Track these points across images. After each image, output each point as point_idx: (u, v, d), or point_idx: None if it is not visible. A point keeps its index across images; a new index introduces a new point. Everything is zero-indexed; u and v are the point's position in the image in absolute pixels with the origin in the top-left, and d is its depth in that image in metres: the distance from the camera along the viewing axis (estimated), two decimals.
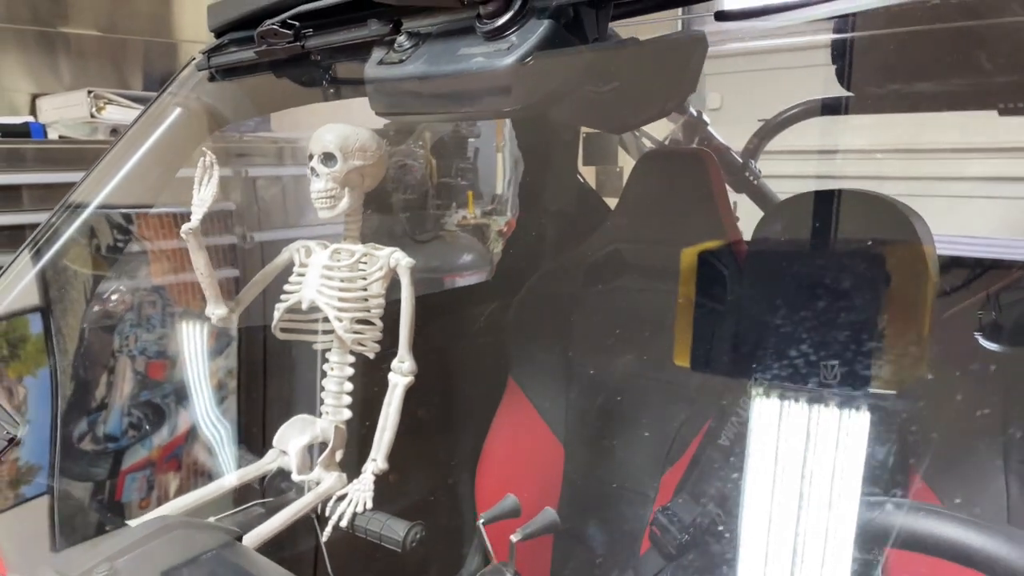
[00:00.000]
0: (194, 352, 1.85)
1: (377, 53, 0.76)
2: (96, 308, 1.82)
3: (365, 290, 0.99)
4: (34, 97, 2.71)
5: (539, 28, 0.64)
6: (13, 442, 0.88)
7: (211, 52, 0.97)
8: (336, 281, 0.98)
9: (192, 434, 1.82)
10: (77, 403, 1.71)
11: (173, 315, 1.98)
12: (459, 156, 3.10)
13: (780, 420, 0.98)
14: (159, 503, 0.96)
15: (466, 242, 2.97)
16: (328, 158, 0.95)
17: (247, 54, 0.91)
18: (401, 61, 0.72)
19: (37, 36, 2.77)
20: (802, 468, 0.92)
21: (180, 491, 1.04)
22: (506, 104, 0.64)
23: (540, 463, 1.53)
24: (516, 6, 0.65)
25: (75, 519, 1.48)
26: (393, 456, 1.36)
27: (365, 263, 0.99)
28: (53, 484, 1.35)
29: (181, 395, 1.91)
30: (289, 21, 0.82)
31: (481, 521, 0.75)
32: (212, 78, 1.00)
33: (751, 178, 2.01)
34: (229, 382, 1.83)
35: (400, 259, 0.97)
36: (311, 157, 0.97)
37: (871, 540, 0.78)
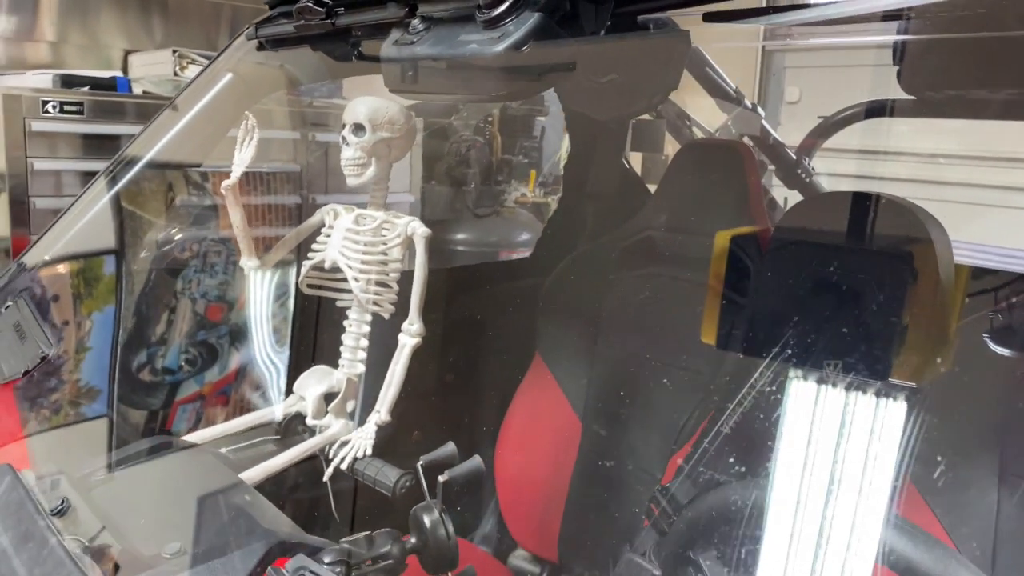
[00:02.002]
0: (252, 299, 1.96)
1: (394, 34, 0.82)
2: (164, 253, 1.95)
3: (384, 254, 1.05)
4: (127, 53, 2.89)
5: (529, 20, 0.69)
6: (45, 359, 0.98)
7: (260, 23, 1.05)
8: (358, 244, 1.05)
9: (242, 373, 1.95)
10: (139, 337, 1.84)
11: (236, 264, 2.11)
12: (525, 134, 3.14)
13: (781, 410, 1.00)
14: None
15: (523, 219, 3.02)
16: (358, 129, 1.02)
17: (288, 27, 0.98)
18: (412, 43, 0.78)
19: None
20: (802, 458, 0.94)
21: None
22: (494, 89, 0.69)
23: (558, 436, 1.58)
24: None
25: (130, 442, 1.61)
26: (418, 415, 1.43)
27: (386, 229, 1.06)
28: (112, 409, 1.47)
29: (236, 337, 2.04)
30: None
31: (420, 463, 0.81)
32: (261, 47, 1.08)
33: (803, 175, 1.99)
34: (283, 328, 1.92)
35: (416, 228, 1.04)
36: (343, 127, 1.04)
37: (861, 535, 0.81)
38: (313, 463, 1.05)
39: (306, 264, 1.09)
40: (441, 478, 0.76)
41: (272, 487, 1.00)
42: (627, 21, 0.76)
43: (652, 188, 1.81)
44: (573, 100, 1.30)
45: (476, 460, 0.81)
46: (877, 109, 1.88)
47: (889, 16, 0.85)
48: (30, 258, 1.27)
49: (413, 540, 0.68)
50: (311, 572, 0.52)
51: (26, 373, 0.97)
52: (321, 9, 0.89)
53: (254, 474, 0.93)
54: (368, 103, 1.02)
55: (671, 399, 1.42)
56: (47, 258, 1.31)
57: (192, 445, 0.90)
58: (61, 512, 0.67)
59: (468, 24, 0.73)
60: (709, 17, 0.69)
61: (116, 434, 1.44)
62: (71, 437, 1.16)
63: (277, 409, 1.12)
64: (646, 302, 1.52)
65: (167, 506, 0.74)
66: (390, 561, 0.65)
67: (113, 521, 0.67)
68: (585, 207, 1.80)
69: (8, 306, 1.09)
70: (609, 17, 0.74)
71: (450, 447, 0.84)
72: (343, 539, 0.65)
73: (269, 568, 0.54)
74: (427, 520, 0.68)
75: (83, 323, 1.63)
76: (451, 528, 0.68)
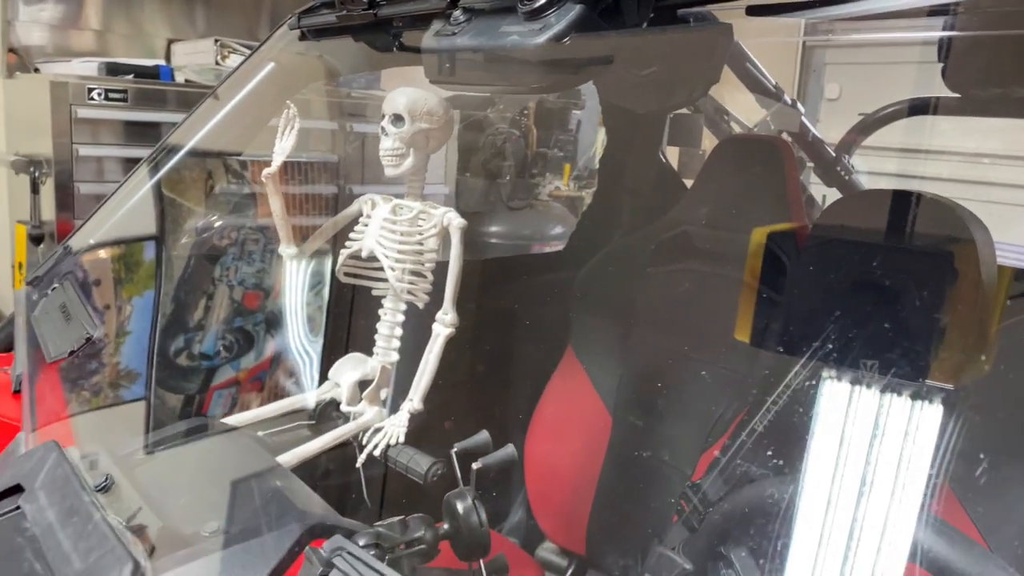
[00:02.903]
0: (289, 287, 1.99)
1: (435, 25, 0.83)
2: (203, 240, 1.98)
3: (420, 244, 1.06)
4: (170, 42, 2.94)
5: (571, 12, 0.69)
6: (89, 340, 1.01)
7: (302, 13, 1.06)
8: (395, 234, 1.06)
9: (276, 360, 1.97)
10: (177, 323, 1.87)
11: (273, 252, 2.14)
12: (560, 127, 3.14)
13: (815, 409, 0.99)
14: None
15: (557, 213, 3.02)
16: (397, 119, 1.03)
17: (331, 17, 0.99)
18: (453, 34, 0.79)
19: None
20: (835, 457, 0.93)
21: None
22: (535, 81, 0.69)
23: (588, 429, 1.58)
24: None
25: (167, 425, 1.63)
26: (450, 405, 1.43)
27: (423, 220, 1.07)
28: (150, 392, 1.50)
29: (271, 324, 2.07)
30: None
31: (454, 450, 0.82)
32: (303, 37, 1.09)
33: (842, 173, 1.97)
34: (318, 316, 1.94)
35: (452, 219, 1.04)
36: (383, 117, 1.04)
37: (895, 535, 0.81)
38: (345, 449, 1.06)
39: (343, 253, 1.10)
40: (475, 466, 0.76)
41: (305, 471, 1.01)
42: (669, 13, 0.76)
43: (688, 183, 1.80)
44: (612, 93, 1.30)
45: (509, 448, 0.82)
46: (921, 107, 1.85)
47: (935, 11, 0.83)
48: (75, 242, 1.30)
49: (446, 526, 0.69)
50: (348, 553, 0.53)
51: (71, 353, 1.00)
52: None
53: (289, 458, 0.95)
54: (407, 94, 1.03)
55: (703, 395, 1.42)
56: (91, 242, 1.34)
57: (231, 428, 0.91)
58: (105, 488, 0.69)
59: (509, 16, 0.74)
60: (752, 10, 0.69)
61: (154, 417, 1.46)
62: (113, 417, 1.18)
63: (311, 395, 1.14)
64: (680, 297, 1.51)
65: (206, 486, 0.76)
66: (423, 546, 0.66)
67: (154, 499, 0.69)
68: (620, 201, 1.80)
69: (55, 288, 1.12)
70: (652, 9, 0.73)
71: (484, 435, 0.85)
72: (377, 523, 0.66)
73: (307, 548, 0.55)
74: (460, 507, 0.69)
75: (124, 307, 1.66)
76: (484, 516, 0.68)
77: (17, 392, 1.09)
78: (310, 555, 0.53)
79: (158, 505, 0.68)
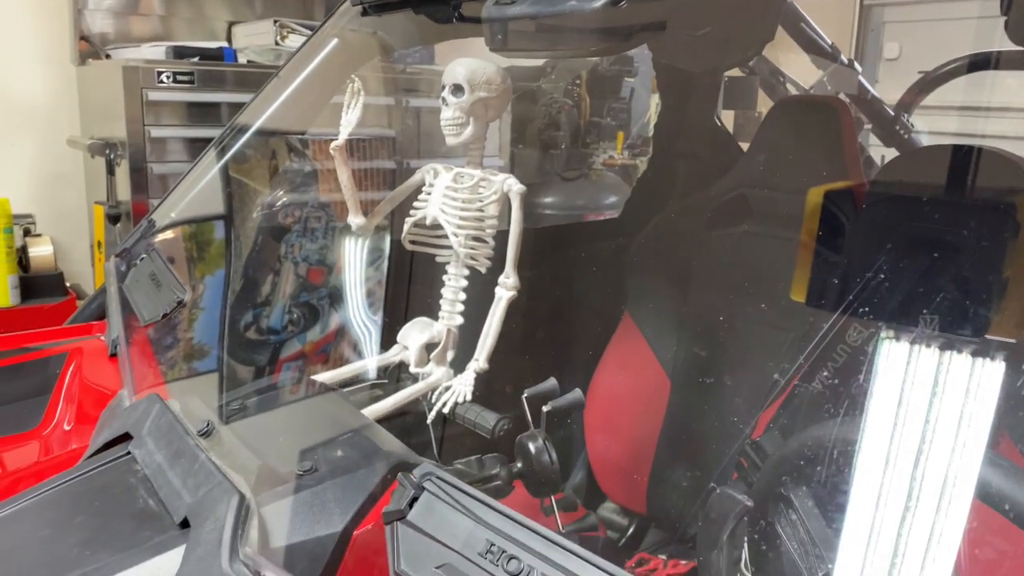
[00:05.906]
0: (350, 262, 2.05)
1: None
2: (269, 218, 2.06)
3: (481, 211, 1.10)
4: (230, 24, 3.02)
5: None
6: (181, 304, 1.07)
7: None
8: (457, 201, 1.10)
9: (341, 333, 2.04)
10: (246, 298, 1.95)
11: (335, 229, 2.20)
12: (613, 95, 3.13)
13: (876, 366, 1.00)
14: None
15: (610, 182, 3.02)
16: (457, 89, 1.07)
17: None
18: (512, 2, 0.82)
19: None
20: (894, 412, 0.94)
21: None
22: (592, 45, 0.72)
23: (646, 393, 1.61)
24: None
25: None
26: (510, 371, 1.48)
27: (483, 187, 1.10)
28: (222, 365, 1.57)
29: (335, 299, 2.14)
30: None
31: (525, 395, 0.86)
32: (365, 12, 1.13)
33: (902, 132, 1.94)
34: (378, 291, 2.00)
35: (512, 185, 1.08)
36: (443, 88, 1.08)
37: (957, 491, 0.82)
38: (415, 410, 1.11)
39: (408, 221, 1.14)
40: (545, 408, 0.80)
41: None
42: None
43: (745, 146, 1.80)
44: (667, 53, 1.30)
45: (577, 392, 0.86)
46: (982, 62, 1.81)
47: None
48: (158, 216, 1.37)
49: (519, 465, 0.73)
50: (437, 477, 0.57)
51: (164, 316, 1.07)
52: None
53: (366, 414, 1.00)
54: (466, 64, 1.06)
55: (762, 356, 1.43)
56: (172, 216, 1.41)
57: (317, 383, 0.97)
58: (207, 433, 0.75)
59: None
60: None
61: (226, 389, 1.54)
62: (191, 386, 1.25)
63: (381, 358, 1.19)
64: (737, 260, 1.52)
65: (297, 432, 0.82)
66: (499, 482, 0.70)
67: (251, 443, 0.74)
68: (676, 165, 1.80)
69: (143, 258, 1.19)
70: None
71: (552, 382, 0.89)
72: (456, 461, 0.71)
73: (400, 474, 0.60)
74: (532, 447, 0.73)
75: (197, 285, 1.75)
76: (555, 455, 0.72)
77: (113, 355, 1.16)
78: (403, 480, 0.58)
79: (255, 448, 0.74)
